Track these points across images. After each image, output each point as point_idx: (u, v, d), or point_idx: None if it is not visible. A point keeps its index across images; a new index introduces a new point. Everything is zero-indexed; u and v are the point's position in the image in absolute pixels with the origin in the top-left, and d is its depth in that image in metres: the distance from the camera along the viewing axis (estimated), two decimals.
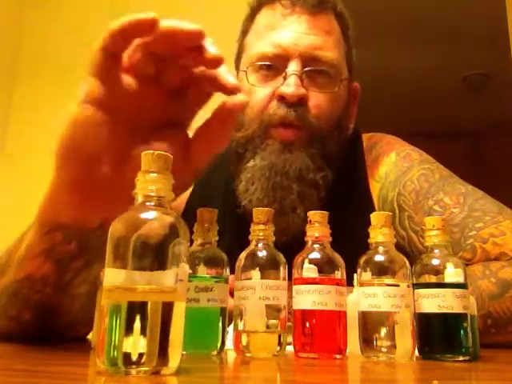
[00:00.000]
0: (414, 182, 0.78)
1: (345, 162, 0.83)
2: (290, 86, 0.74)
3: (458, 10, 2.62)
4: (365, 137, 0.89)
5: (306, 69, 0.76)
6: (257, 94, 0.78)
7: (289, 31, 0.78)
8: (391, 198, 0.79)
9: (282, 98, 0.75)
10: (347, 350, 0.49)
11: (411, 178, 0.78)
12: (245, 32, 0.85)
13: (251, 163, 0.76)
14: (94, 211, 0.46)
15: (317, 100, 0.77)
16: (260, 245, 0.50)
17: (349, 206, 0.79)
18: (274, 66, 0.78)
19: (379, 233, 0.50)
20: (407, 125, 3.58)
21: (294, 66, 0.76)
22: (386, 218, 0.51)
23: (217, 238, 0.51)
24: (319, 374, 0.42)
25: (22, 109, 1.90)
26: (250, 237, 0.51)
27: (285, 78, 0.76)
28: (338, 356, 0.48)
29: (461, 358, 0.47)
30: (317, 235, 0.51)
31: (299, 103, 0.75)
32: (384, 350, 0.47)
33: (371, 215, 0.52)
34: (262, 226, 0.51)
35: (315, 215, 0.52)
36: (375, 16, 2.66)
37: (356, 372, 0.46)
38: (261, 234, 0.50)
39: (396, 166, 0.81)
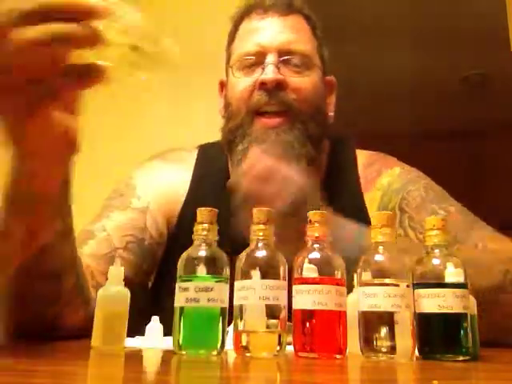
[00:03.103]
0: (420, 190, 0.85)
1: (335, 161, 0.92)
2: (267, 73, 0.84)
3: (457, 10, 2.62)
4: (366, 153, 0.96)
5: (282, 58, 0.86)
6: (240, 85, 0.87)
7: (265, 31, 0.89)
8: (393, 206, 0.85)
9: (262, 85, 0.84)
10: (347, 350, 0.49)
11: (417, 187, 0.85)
12: (230, 41, 0.96)
13: (240, 147, 0.84)
14: None
15: (295, 84, 0.85)
16: (260, 245, 0.50)
17: (338, 203, 0.80)
18: (254, 61, 0.87)
19: (379, 233, 0.50)
20: (407, 125, 3.59)
21: (270, 58, 0.86)
22: (386, 218, 0.51)
23: (217, 238, 0.51)
24: (319, 374, 0.42)
25: None
26: (250, 237, 0.51)
27: (263, 69, 0.85)
28: (338, 356, 0.48)
29: (461, 358, 0.47)
30: (317, 235, 0.51)
31: (279, 88, 0.84)
32: (384, 350, 0.47)
33: (372, 215, 0.52)
34: (262, 226, 0.51)
35: (315, 215, 0.51)
36: (375, 16, 2.66)
37: (356, 372, 0.46)
38: (261, 234, 0.50)
39: (400, 177, 0.89)
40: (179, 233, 0.86)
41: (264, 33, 0.89)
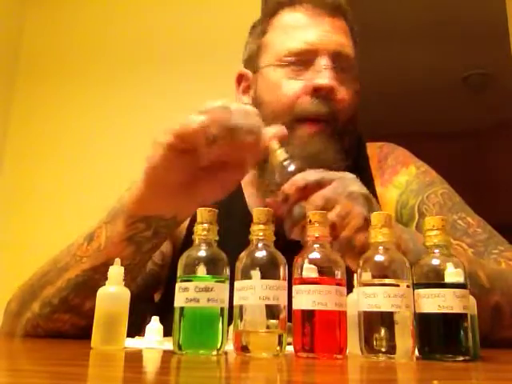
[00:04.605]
0: (438, 196, 0.83)
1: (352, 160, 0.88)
2: (325, 78, 0.79)
3: (458, 10, 2.62)
4: (375, 145, 0.94)
5: (334, 63, 0.81)
6: (286, 87, 0.81)
7: (315, 30, 0.83)
8: (412, 204, 0.84)
9: (315, 91, 0.79)
10: (347, 350, 0.49)
11: (435, 192, 0.84)
12: (263, 32, 0.88)
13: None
14: (170, 208, 0.64)
15: (342, 94, 0.81)
16: (260, 245, 0.50)
17: None
18: (303, 61, 0.81)
19: (379, 233, 0.50)
20: (407, 125, 3.58)
21: (325, 61, 0.80)
22: (386, 218, 0.51)
23: (217, 238, 0.51)
24: (319, 374, 0.42)
25: (22, 112, 1.90)
26: (250, 237, 0.51)
27: (318, 71, 0.80)
28: (338, 356, 0.48)
29: (461, 358, 0.47)
30: (317, 235, 0.51)
31: (329, 97, 0.79)
32: (384, 350, 0.47)
33: (372, 215, 0.52)
34: (262, 226, 0.51)
35: (315, 215, 0.51)
36: (375, 16, 2.66)
37: (356, 372, 0.46)
38: (261, 234, 0.50)
39: (417, 178, 0.87)
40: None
41: (314, 31, 0.82)
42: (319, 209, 0.57)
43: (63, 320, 0.67)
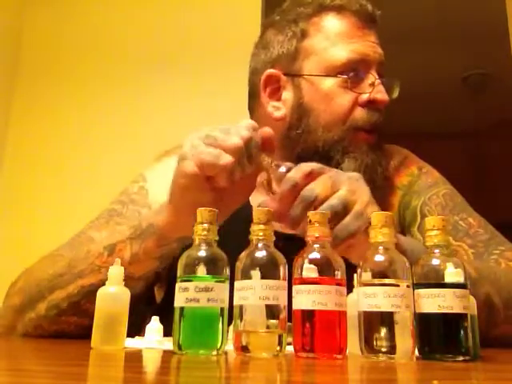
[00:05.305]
0: (440, 197, 0.84)
1: None
2: (381, 92, 0.82)
3: (458, 10, 2.62)
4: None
5: (381, 77, 0.83)
6: (339, 98, 0.81)
7: (364, 41, 0.83)
8: (414, 206, 0.85)
9: (371, 104, 0.81)
10: (347, 350, 0.49)
11: (437, 193, 0.85)
12: (303, 34, 0.85)
13: (345, 164, 0.80)
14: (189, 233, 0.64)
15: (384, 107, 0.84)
16: (260, 245, 0.50)
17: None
18: (356, 72, 0.82)
19: (379, 233, 0.50)
20: (407, 125, 3.58)
21: (376, 74, 0.82)
22: (386, 218, 0.51)
23: (217, 238, 0.51)
24: (319, 374, 0.42)
25: (22, 114, 1.90)
26: (250, 237, 0.51)
27: (372, 85, 0.82)
28: (338, 356, 0.48)
29: (461, 358, 0.47)
30: (317, 235, 0.51)
31: (380, 109, 0.82)
32: (384, 350, 0.47)
33: (372, 215, 0.52)
34: (262, 226, 0.51)
35: (315, 215, 0.51)
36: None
37: (356, 372, 0.46)
38: (261, 234, 0.50)
39: (420, 179, 0.88)
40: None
41: (363, 42, 0.83)
42: (327, 188, 0.60)
43: (69, 322, 0.68)
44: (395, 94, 0.87)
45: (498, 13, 2.05)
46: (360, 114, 0.81)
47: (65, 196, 1.76)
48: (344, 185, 0.61)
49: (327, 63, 0.82)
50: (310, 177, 0.61)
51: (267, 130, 0.64)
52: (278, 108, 0.85)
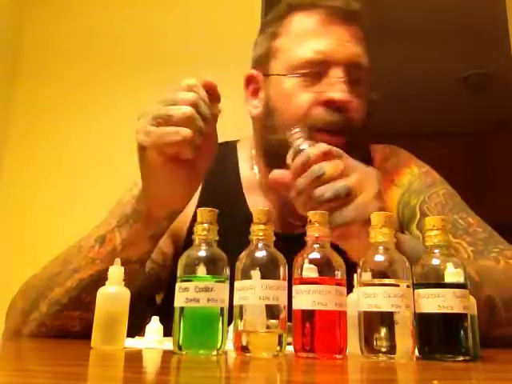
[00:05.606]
0: (440, 196, 0.84)
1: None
2: (338, 91, 0.77)
3: (458, 9, 2.62)
4: (377, 147, 0.95)
5: (349, 76, 0.79)
6: (298, 98, 0.79)
7: (329, 39, 0.80)
8: (414, 204, 0.85)
9: (328, 103, 0.78)
10: (347, 350, 0.49)
11: (437, 192, 0.85)
12: (274, 35, 0.85)
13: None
14: (186, 197, 0.70)
15: (356, 107, 0.80)
16: (260, 245, 0.50)
17: None
18: (315, 71, 0.79)
19: (379, 233, 0.50)
20: (407, 125, 3.58)
21: (339, 73, 0.79)
22: (386, 218, 0.51)
23: (217, 238, 0.51)
24: (319, 374, 0.42)
25: (22, 114, 1.90)
26: (250, 237, 0.51)
27: (331, 84, 0.78)
28: (338, 356, 0.48)
29: (461, 358, 0.47)
30: (317, 235, 0.51)
31: (343, 109, 0.78)
32: (384, 350, 0.47)
33: (372, 215, 0.52)
34: (262, 226, 0.51)
35: (315, 215, 0.51)
36: (375, 17, 2.66)
37: (356, 372, 0.46)
38: (261, 234, 0.50)
39: (419, 178, 0.88)
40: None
41: (328, 40, 0.80)
42: (338, 171, 0.61)
43: (72, 316, 0.68)
44: (374, 96, 0.84)
45: (498, 13, 2.05)
46: (317, 113, 0.78)
47: (65, 196, 1.76)
48: (355, 174, 0.61)
49: (290, 62, 0.81)
50: (327, 156, 0.62)
51: (206, 80, 0.64)
52: (256, 107, 0.86)
